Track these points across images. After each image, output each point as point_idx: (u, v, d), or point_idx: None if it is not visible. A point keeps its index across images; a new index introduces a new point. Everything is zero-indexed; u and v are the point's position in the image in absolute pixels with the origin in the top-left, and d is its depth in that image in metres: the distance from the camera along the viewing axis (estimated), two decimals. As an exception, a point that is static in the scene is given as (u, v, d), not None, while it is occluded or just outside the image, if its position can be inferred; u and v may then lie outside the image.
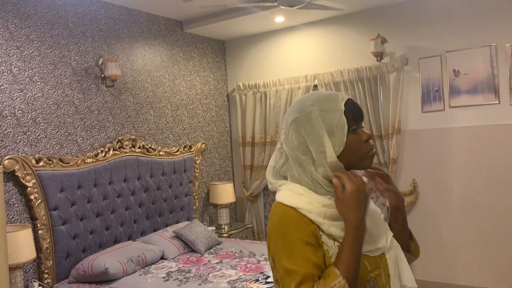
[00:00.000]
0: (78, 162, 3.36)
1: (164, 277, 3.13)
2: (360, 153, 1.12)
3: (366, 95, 4.12)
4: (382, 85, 4.07)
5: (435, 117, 3.92)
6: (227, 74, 5.12)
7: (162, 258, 3.55)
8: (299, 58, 4.60)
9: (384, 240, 1.15)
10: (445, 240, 3.88)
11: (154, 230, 3.89)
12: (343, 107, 1.11)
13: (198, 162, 4.48)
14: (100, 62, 3.62)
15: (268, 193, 4.97)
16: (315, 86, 4.43)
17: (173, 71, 4.38)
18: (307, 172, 1.12)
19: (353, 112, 1.12)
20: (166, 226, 4.02)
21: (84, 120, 3.50)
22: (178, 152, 4.28)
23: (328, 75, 4.29)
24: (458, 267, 3.86)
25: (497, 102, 3.64)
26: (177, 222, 4.16)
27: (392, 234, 1.19)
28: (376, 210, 1.21)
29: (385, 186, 1.21)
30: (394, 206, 1.25)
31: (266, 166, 4.74)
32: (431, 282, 3.97)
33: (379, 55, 4.05)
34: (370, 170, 1.20)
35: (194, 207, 4.44)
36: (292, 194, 1.12)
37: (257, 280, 2.77)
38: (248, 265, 3.33)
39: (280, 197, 1.14)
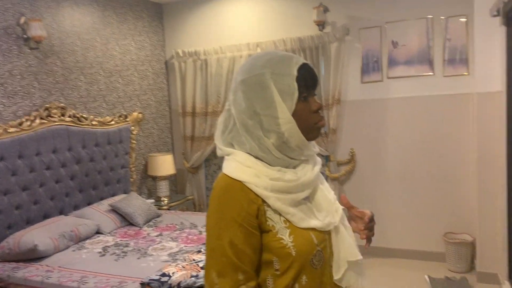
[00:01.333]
0: (-1, 132, 3.05)
1: (100, 252, 2.97)
2: (307, 123, 1.05)
3: (308, 64, 4.09)
4: (324, 55, 4.06)
5: (374, 87, 3.99)
6: (165, 40, 4.87)
7: (98, 232, 3.38)
8: (241, 26, 4.46)
9: (332, 217, 1.12)
10: (380, 206, 4.03)
11: (88, 204, 3.68)
12: (295, 73, 1.03)
13: (134, 133, 4.26)
14: (22, 21, 3.26)
15: (210, 164, 4.87)
16: (257, 55, 4.33)
17: (105, 34, 4.07)
18: (254, 137, 1.05)
19: (306, 79, 1.04)
20: (101, 199, 3.81)
21: (5, 85, 3.16)
22: (113, 122, 4.04)
23: (271, 43, 4.20)
24: (392, 231, 4.04)
25: (432, 73, 3.77)
26: (113, 196, 3.96)
27: (341, 213, 1.16)
28: (328, 189, 1.18)
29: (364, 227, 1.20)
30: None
31: (208, 137, 4.68)
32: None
33: (321, 24, 4.02)
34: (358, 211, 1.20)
35: (131, 179, 4.25)
36: (239, 166, 1.05)
37: (199, 251, 2.70)
38: (190, 236, 3.25)
39: (227, 168, 1.07)
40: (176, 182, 4.99)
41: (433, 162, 3.84)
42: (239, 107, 1.06)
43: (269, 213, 1.03)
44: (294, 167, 1.09)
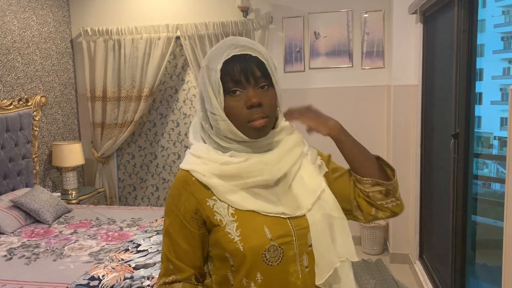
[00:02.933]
0: None
1: (6, 256, 2.58)
2: (238, 121, 0.97)
3: (231, 51, 3.98)
4: (247, 42, 3.98)
5: (296, 77, 4.03)
6: (70, 15, 4.39)
7: (-2, 233, 2.94)
8: (160, 5, 4.19)
9: (300, 203, 1.00)
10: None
11: (-16, 201, 3.18)
12: (219, 67, 0.95)
13: (37, 119, 3.78)
14: None
15: (122, 154, 4.54)
16: (177, 38, 4.11)
17: (1, 5, 3.53)
18: (205, 128, 1.03)
19: (232, 73, 0.95)
20: (0, 194, 3.32)
21: None
22: (12, 106, 3.53)
23: (192, 26, 4.00)
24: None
25: (351, 65, 3.91)
26: (13, 190, 3.49)
27: (323, 199, 1.04)
28: (312, 175, 1.06)
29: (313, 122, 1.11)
30: (332, 137, 1.13)
31: (121, 124, 4.35)
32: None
33: (245, 11, 3.94)
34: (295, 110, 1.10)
35: (34, 171, 3.78)
36: (189, 157, 1.04)
37: (127, 250, 2.47)
38: (110, 233, 2.98)
39: (183, 161, 1.06)
40: (83, 173, 4.57)
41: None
42: (198, 96, 1.06)
43: (217, 207, 0.99)
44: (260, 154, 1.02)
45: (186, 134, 4.42)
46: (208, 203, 1.00)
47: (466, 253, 2.51)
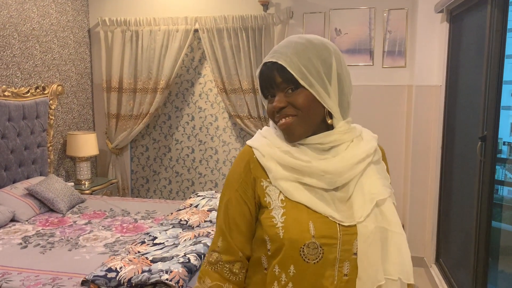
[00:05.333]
0: None
1: (21, 244, 2.57)
2: (274, 122, 1.03)
3: (250, 45, 3.94)
4: (266, 37, 3.93)
5: (315, 74, 3.96)
6: (89, 5, 4.36)
7: (13, 220, 2.93)
8: (179, -3, 4.15)
9: (354, 213, 0.95)
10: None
11: (-1, 187, 3.17)
12: (257, 73, 1.04)
13: (53, 108, 3.76)
14: None
15: (136, 146, 4.51)
16: (196, 31, 4.07)
17: (22, -8, 3.51)
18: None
19: (261, 81, 1.02)
20: (14, 182, 3.31)
21: None
22: (29, 94, 3.52)
23: (211, 19, 3.96)
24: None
25: (371, 64, 3.85)
26: (28, 178, 3.47)
27: (381, 210, 0.98)
28: (374, 185, 0.99)
29: None
30: None
31: (136, 116, 4.32)
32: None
33: (265, 5, 3.88)
34: None
35: (49, 160, 3.76)
36: (257, 136, 1.07)
37: (143, 242, 2.44)
38: (124, 225, 2.96)
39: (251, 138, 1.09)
40: (97, 164, 4.55)
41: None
42: None
43: (269, 189, 0.99)
44: (323, 150, 1.00)
45: (201, 128, 4.38)
46: (262, 183, 1.00)
47: (488, 259, 2.45)
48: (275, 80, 0.98)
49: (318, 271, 0.93)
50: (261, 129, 1.09)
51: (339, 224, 0.94)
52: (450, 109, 3.18)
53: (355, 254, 0.95)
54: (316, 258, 0.93)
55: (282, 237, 0.94)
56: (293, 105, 0.97)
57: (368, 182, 0.99)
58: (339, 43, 3.87)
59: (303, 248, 0.92)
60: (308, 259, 0.93)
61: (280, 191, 0.97)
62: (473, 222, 2.50)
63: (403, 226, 3.38)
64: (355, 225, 0.94)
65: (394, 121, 3.86)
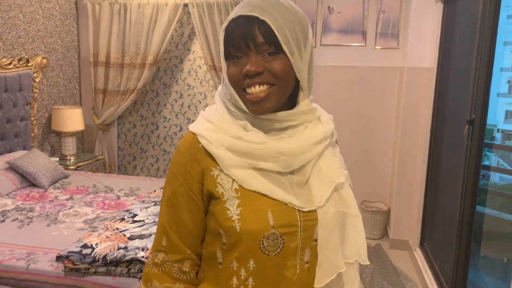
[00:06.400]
0: None
1: (-2, 218, 2.52)
2: (235, 89, 0.88)
3: (240, 22, 3.84)
4: (258, 13, 3.82)
5: (306, 53, 3.88)
6: (76, -24, 4.23)
7: (-8, 194, 2.88)
8: (168, -30, 4.02)
9: (318, 196, 0.89)
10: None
11: (-21, 161, 3.11)
12: (224, 26, 0.87)
13: (37, 81, 3.67)
14: None
15: (123, 122, 4.44)
16: (185, 5, 3.96)
17: (4, -41, 3.38)
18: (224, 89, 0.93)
19: (232, 37, 0.85)
20: (-5, 155, 3.25)
21: None
22: (11, 66, 3.42)
23: (201, -6, 3.85)
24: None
25: (364, 44, 3.77)
26: (10, 151, 3.41)
27: (340, 194, 0.93)
28: (332, 167, 0.94)
29: None
30: None
31: (123, 92, 4.23)
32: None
33: (257, -20, 3.77)
34: None
35: (33, 134, 3.69)
36: (200, 120, 0.94)
37: (122, 219, 2.40)
38: (106, 201, 2.91)
39: (193, 123, 0.96)
40: (83, 139, 4.49)
41: (355, 132, 3.90)
42: None
43: (221, 178, 0.89)
44: (278, 130, 0.90)
45: (189, 106, 4.31)
46: (212, 172, 0.90)
47: (471, 244, 2.44)
48: (255, 39, 0.83)
49: (279, 262, 0.87)
50: (206, 109, 0.97)
51: (298, 210, 0.88)
52: (441, 92, 3.13)
53: (315, 240, 0.90)
54: (277, 249, 0.87)
55: (239, 231, 0.86)
56: (271, 72, 0.84)
57: (326, 165, 0.93)
58: (332, 22, 3.78)
59: (263, 241, 0.86)
60: (269, 252, 0.86)
61: (233, 180, 0.88)
62: (458, 207, 2.48)
63: (389, 210, 3.33)
64: (315, 210, 0.89)
65: (384, 102, 3.81)
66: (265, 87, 0.85)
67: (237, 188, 0.87)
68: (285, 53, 0.85)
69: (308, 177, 0.90)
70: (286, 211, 0.87)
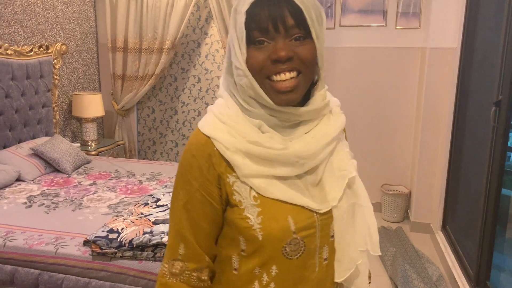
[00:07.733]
0: None
1: (26, 203, 2.58)
2: (259, 77, 0.81)
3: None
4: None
5: (325, 35, 3.82)
6: (93, -39, 4.22)
7: (18, 180, 2.94)
8: (184, -47, 3.97)
9: (326, 197, 0.87)
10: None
11: (4, 147, 3.17)
12: (245, 9, 0.79)
13: (57, 67, 3.71)
14: None
15: (142, 107, 4.46)
16: (202, -12, 3.92)
17: None
18: (229, 82, 0.88)
19: (258, 19, 0.79)
20: (20, 142, 3.31)
21: None
22: (32, 53, 3.45)
23: (218, -24, 3.80)
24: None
25: (384, 25, 3.69)
26: (33, 138, 3.47)
27: (352, 188, 0.91)
28: (343, 163, 0.91)
29: None
30: None
31: (142, 77, 4.25)
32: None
33: (275, -39, 3.70)
34: None
35: (54, 120, 3.74)
36: (212, 120, 0.87)
37: (146, 204, 2.43)
38: (129, 186, 2.95)
39: (202, 121, 0.89)
40: (103, 125, 4.53)
41: (375, 114, 3.85)
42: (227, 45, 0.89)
43: (237, 185, 0.84)
44: (290, 126, 0.87)
45: (207, 91, 4.30)
46: (228, 179, 0.85)
47: (496, 227, 2.41)
48: (285, 22, 0.78)
49: (300, 264, 0.87)
50: (214, 106, 0.90)
51: (316, 212, 0.86)
52: (465, 72, 3.06)
53: (332, 236, 0.89)
54: (299, 253, 0.86)
55: (262, 239, 0.83)
56: (300, 57, 0.80)
57: (337, 159, 0.91)
58: (351, 3, 3.70)
59: (285, 247, 0.84)
60: (291, 256, 0.85)
61: (251, 187, 0.84)
62: (482, 189, 2.44)
63: (410, 193, 3.30)
64: (331, 210, 0.88)
65: (405, 84, 3.74)
66: (294, 73, 0.80)
67: (256, 195, 0.84)
68: (311, 38, 0.81)
69: (321, 176, 0.88)
70: (305, 214, 0.85)
